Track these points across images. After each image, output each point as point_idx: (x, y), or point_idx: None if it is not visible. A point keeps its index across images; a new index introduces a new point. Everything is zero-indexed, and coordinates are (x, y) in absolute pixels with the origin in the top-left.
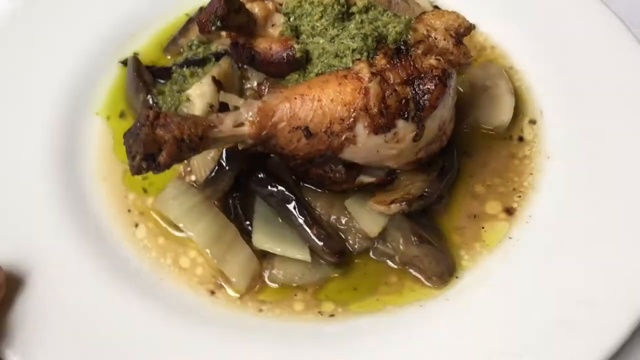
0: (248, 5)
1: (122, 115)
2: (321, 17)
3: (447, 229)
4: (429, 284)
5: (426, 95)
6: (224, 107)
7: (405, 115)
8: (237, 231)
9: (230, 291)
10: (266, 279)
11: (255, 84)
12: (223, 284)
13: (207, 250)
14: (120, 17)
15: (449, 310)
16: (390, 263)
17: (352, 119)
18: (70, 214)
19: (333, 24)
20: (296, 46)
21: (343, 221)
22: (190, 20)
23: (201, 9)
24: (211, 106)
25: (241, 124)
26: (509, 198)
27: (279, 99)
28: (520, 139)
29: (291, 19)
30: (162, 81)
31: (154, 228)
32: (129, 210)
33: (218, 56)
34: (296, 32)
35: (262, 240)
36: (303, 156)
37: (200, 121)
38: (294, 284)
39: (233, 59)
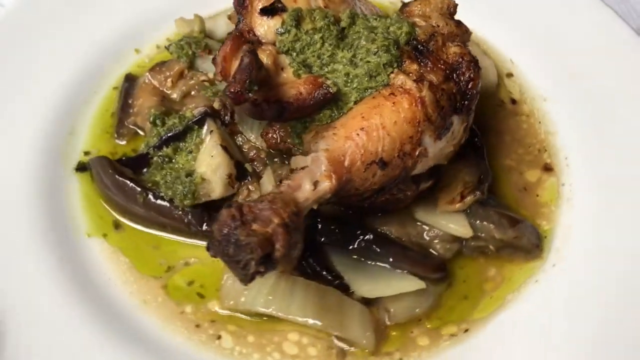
0: None
1: (117, 226)
2: (323, 43)
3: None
4: (531, 258)
5: (470, 84)
6: (240, 171)
7: (457, 110)
8: (337, 291)
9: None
10: (387, 322)
11: (251, 136)
12: (346, 348)
13: (320, 324)
14: (53, 112)
15: (563, 273)
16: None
17: (419, 133)
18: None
19: (338, 46)
20: (328, 81)
21: (425, 235)
22: (127, 94)
23: (128, 78)
24: (229, 176)
25: (317, 182)
26: (539, 159)
27: (340, 140)
28: (513, 101)
29: (294, 56)
30: (144, 170)
31: (238, 330)
32: (197, 326)
33: (200, 122)
34: (307, 67)
35: (369, 289)
36: (376, 189)
37: (286, 198)
38: (417, 316)
39: (212, 119)
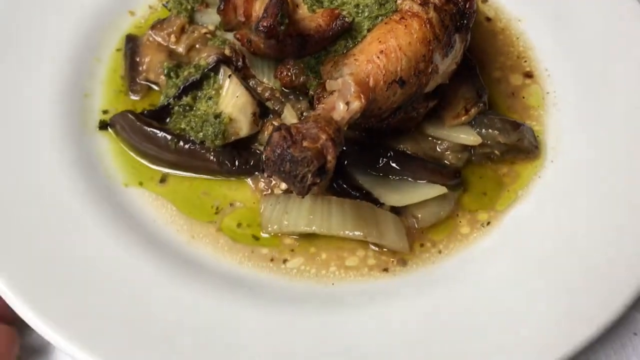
0: None
1: (162, 180)
2: None
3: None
4: (532, 157)
5: (467, 4)
6: (262, 108)
7: (458, 29)
8: (369, 203)
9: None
10: (416, 226)
11: (264, 78)
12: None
13: (360, 234)
14: (65, 78)
15: (560, 167)
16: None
17: (430, 52)
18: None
19: None
20: (344, 12)
21: (437, 148)
22: (133, 53)
23: (130, 38)
24: (254, 114)
25: (348, 102)
26: (520, 65)
27: (363, 64)
28: (488, 19)
29: None
30: (167, 121)
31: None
32: (272, 260)
33: (215, 68)
34: (319, 2)
35: (397, 199)
36: (395, 108)
37: (327, 116)
38: (442, 219)
39: (225, 65)
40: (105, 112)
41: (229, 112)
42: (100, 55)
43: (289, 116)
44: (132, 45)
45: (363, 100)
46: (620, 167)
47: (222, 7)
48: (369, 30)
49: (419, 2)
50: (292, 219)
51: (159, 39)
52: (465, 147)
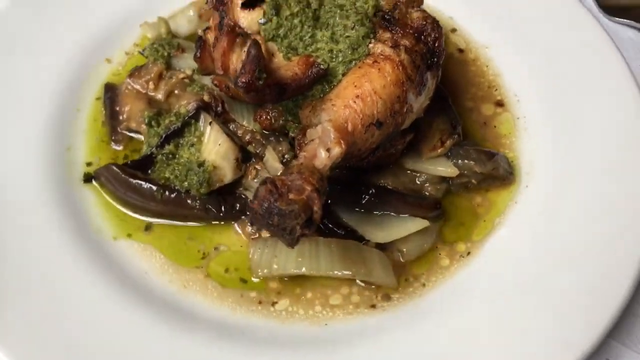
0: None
1: (147, 228)
2: (303, 26)
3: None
4: (507, 183)
5: (436, 42)
6: (245, 154)
7: (429, 67)
8: (356, 242)
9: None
10: (402, 260)
11: (244, 121)
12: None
13: (349, 273)
14: (46, 133)
15: (535, 191)
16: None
17: (404, 92)
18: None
19: (315, 27)
20: (318, 59)
21: (416, 181)
22: (112, 103)
23: (108, 87)
24: (237, 160)
25: (329, 149)
26: (491, 95)
27: (340, 109)
28: (460, 50)
29: (279, 41)
30: (150, 170)
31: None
32: (260, 302)
33: (195, 116)
34: (293, 49)
35: (383, 236)
36: (374, 147)
37: (310, 167)
38: (426, 251)
39: (205, 111)
40: (89, 164)
41: (212, 159)
42: (81, 104)
43: (271, 159)
44: (110, 94)
45: (343, 146)
46: (593, 188)
47: (198, 54)
48: (344, 75)
49: (390, 45)
50: (282, 262)
51: (138, 87)
52: (443, 179)
